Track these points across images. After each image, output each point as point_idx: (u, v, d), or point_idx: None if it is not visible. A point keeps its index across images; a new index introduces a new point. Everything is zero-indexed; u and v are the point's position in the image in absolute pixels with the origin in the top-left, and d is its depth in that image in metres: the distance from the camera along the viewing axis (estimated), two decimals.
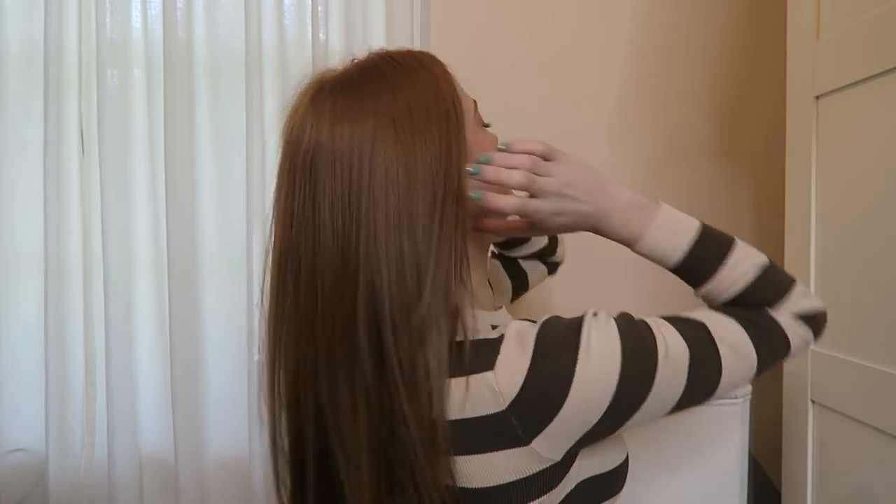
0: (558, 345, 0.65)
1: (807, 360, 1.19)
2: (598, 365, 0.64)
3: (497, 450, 0.64)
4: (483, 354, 0.66)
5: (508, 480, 0.65)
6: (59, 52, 1.48)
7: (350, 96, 0.70)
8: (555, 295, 1.65)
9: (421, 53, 0.77)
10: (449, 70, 0.76)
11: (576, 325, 0.67)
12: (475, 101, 0.80)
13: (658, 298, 1.65)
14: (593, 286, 1.63)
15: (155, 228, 1.54)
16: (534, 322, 0.69)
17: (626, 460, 0.78)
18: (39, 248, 1.50)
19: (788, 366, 1.26)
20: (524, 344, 0.65)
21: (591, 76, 1.63)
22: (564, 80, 1.62)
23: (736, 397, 1.21)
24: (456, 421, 0.65)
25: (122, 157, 1.51)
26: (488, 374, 0.64)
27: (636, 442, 1.20)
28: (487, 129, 0.81)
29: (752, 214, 1.66)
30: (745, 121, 1.65)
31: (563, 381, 0.63)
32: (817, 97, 1.16)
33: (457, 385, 0.65)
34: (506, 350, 0.65)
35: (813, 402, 1.19)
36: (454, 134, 0.69)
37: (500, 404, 0.63)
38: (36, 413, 1.52)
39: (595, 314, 0.69)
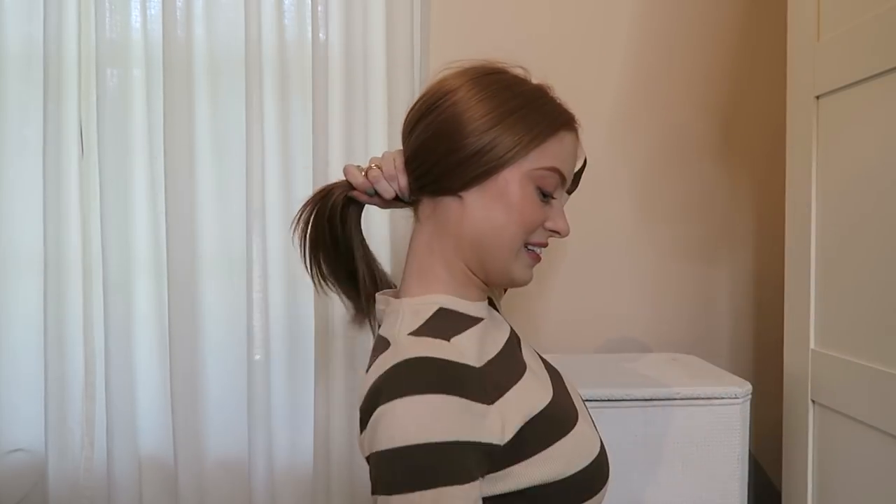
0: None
1: (807, 359, 1.19)
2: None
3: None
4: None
5: None
6: (58, 52, 1.48)
7: None
8: (553, 299, 1.65)
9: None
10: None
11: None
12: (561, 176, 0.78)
13: (657, 301, 1.65)
14: (593, 289, 1.63)
15: (155, 228, 1.54)
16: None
17: (578, 474, 0.73)
18: (39, 248, 1.50)
19: (788, 366, 1.26)
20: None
21: (592, 76, 1.63)
22: (564, 81, 1.59)
23: (736, 397, 1.22)
24: None
25: (122, 157, 1.52)
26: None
27: (637, 442, 1.20)
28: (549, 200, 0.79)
29: (752, 214, 1.66)
30: (746, 121, 1.65)
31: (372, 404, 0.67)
32: (817, 97, 1.16)
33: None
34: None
35: (813, 402, 1.19)
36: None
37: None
38: (36, 413, 1.52)
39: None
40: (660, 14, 1.63)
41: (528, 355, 0.83)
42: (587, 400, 1.13)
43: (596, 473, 0.75)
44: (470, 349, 0.71)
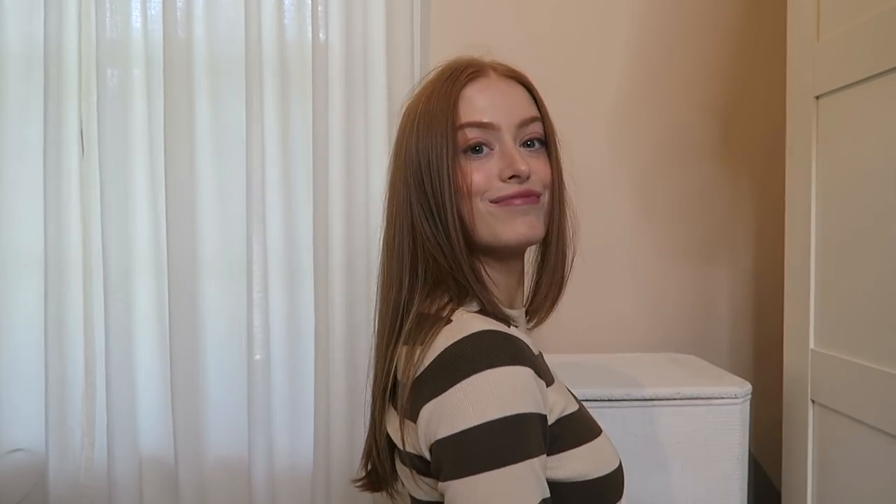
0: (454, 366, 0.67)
1: (807, 359, 1.19)
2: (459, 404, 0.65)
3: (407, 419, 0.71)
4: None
5: (409, 451, 0.71)
6: (59, 52, 1.48)
7: None
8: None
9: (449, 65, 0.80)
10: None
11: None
12: (481, 125, 0.75)
13: (657, 300, 1.65)
14: (592, 289, 1.63)
15: (155, 228, 1.54)
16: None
17: (599, 480, 0.74)
18: (39, 248, 1.50)
19: (788, 366, 1.26)
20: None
21: (592, 76, 1.63)
22: (565, 81, 1.62)
23: (736, 397, 1.22)
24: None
25: (122, 157, 1.51)
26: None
27: (637, 442, 1.20)
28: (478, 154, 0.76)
29: (752, 214, 1.66)
30: (745, 121, 1.65)
31: (431, 395, 0.66)
32: (817, 97, 1.16)
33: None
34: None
35: (813, 402, 1.19)
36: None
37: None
38: (36, 413, 1.52)
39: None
40: (660, 14, 1.63)
41: (554, 373, 0.85)
42: (587, 400, 1.13)
43: (614, 485, 0.76)
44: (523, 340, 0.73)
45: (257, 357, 1.53)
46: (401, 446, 0.72)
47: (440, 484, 0.65)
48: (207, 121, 1.54)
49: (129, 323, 1.53)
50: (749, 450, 1.25)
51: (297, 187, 1.55)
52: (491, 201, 0.74)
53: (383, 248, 0.80)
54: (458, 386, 0.64)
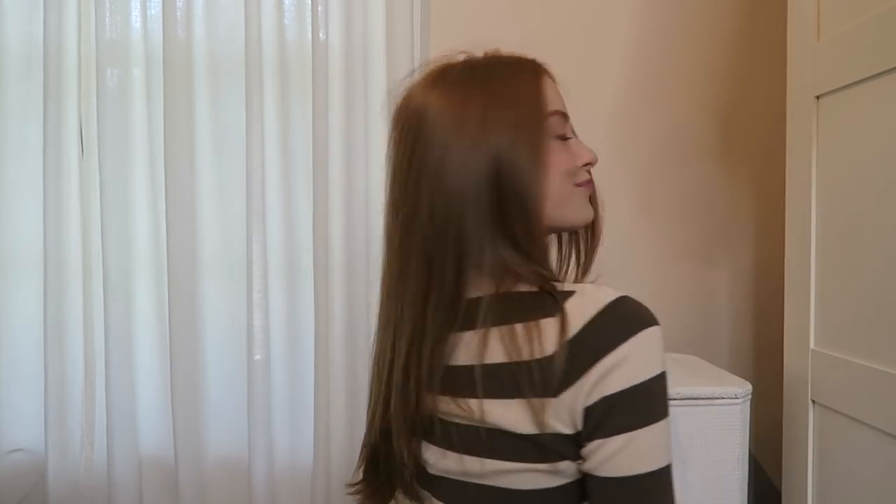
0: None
1: (807, 359, 1.19)
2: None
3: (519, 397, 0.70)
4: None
5: (547, 432, 0.69)
6: (58, 52, 1.48)
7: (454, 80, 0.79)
8: None
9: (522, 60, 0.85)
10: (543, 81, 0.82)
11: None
12: (564, 115, 0.83)
13: (656, 301, 1.65)
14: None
15: (155, 228, 1.54)
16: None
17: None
18: (39, 248, 1.50)
19: (788, 366, 1.26)
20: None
21: (592, 77, 1.63)
22: (564, 81, 1.61)
23: (736, 397, 1.22)
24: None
25: (122, 157, 1.52)
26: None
27: None
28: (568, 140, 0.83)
29: (752, 214, 1.66)
30: (745, 121, 1.65)
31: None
32: (817, 97, 1.16)
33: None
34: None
35: (813, 402, 1.19)
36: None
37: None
38: (36, 413, 1.53)
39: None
40: (659, 14, 1.63)
41: None
42: None
43: None
44: None
45: (257, 357, 1.53)
46: (537, 430, 0.68)
47: (599, 440, 0.66)
48: (207, 121, 1.54)
49: (129, 323, 1.53)
50: (749, 450, 1.25)
51: (297, 187, 1.55)
52: (575, 185, 0.81)
53: (427, 237, 0.74)
54: (629, 342, 0.67)
